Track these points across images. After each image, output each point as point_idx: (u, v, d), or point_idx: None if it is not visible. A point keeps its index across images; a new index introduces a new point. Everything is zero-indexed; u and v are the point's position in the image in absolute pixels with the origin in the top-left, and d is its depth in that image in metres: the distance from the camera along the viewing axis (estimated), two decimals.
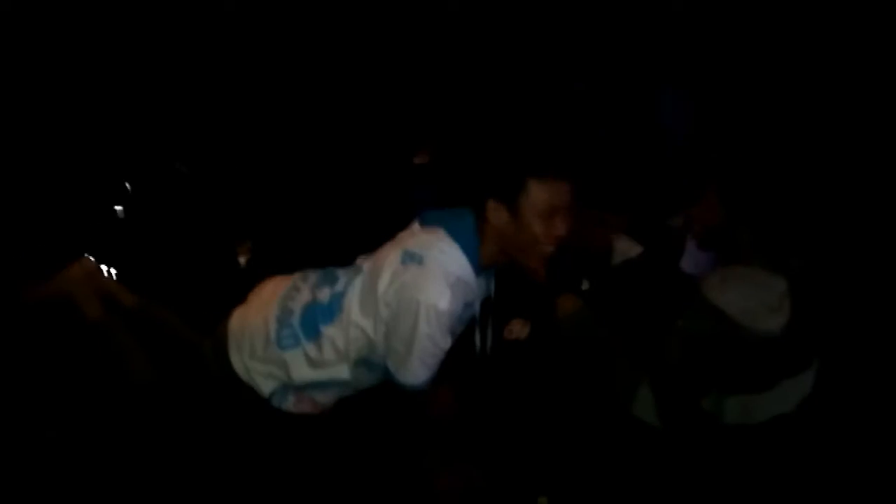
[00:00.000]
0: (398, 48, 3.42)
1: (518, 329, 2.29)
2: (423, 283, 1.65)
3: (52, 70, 3.15)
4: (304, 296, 1.85)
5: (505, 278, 2.02)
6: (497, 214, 1.72)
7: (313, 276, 1.91)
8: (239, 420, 1.88)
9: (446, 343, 1.73)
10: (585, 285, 2.65)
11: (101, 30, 3.21)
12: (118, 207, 2.91)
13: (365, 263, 1.83)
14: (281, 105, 3.35)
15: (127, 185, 2.97)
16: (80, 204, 2.86)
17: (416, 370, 1.72)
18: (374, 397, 1.92)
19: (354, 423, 1.98)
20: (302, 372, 1.80)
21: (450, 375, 1.91)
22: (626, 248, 2.73)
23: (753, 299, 1.67)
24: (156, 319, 2.07)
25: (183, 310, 2.33)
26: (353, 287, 1.78)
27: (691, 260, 2.42)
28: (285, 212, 3.03)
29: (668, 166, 3.09)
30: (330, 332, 1.77)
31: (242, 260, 2.84)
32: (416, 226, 1.85)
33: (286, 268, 2.08)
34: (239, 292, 2.08)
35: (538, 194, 1.67)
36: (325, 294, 1.82)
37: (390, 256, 1.73)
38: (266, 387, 1.83)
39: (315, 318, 1.79)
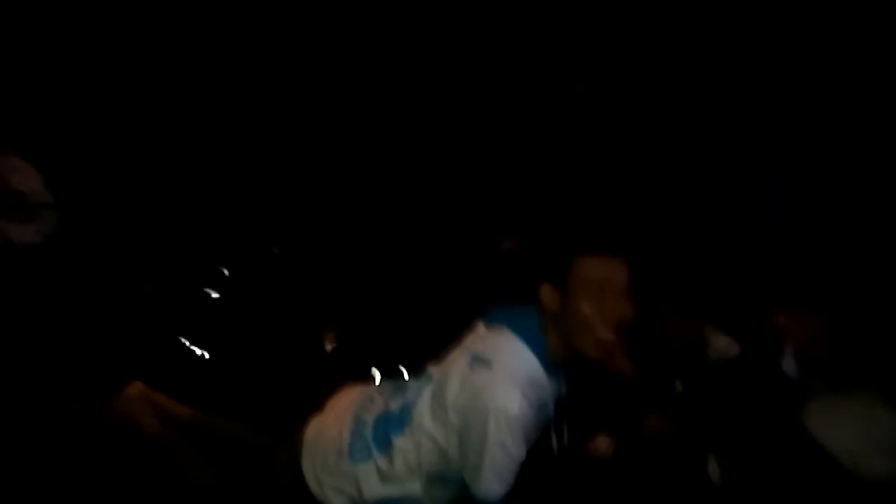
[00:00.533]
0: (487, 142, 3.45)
1: (604, 446, 2.17)
2: (492, 388, 1.58)
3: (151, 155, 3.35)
4: (378, 406, 1.80)
5: (581, 377, 1.93)
6: (550, 299, 1.65)
7: (388, 386, 1.88)
8: None
9: (520, 452, 1.63)
10: (679, 387, 2.52)
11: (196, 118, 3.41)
12: (212, 292, 3.01)
13: (434, 370, 1.78)
14: (374, 196, 3.42)
15: (224, 270, 3.09)
16: (176, 288, 2.99)
17: (490, 483, 1.62)
18: None
19: None
20: (373, 487, 1.73)
21: (526, 484, 1.82)
22: (723, 348, 2.57)
23: (864, 438, 1.51)
24: (215, 430, 2.10)
25: (265, 398, 2.37)
26: (422, 396, 1.72)
27: (789, 367, 2.24)
28: (372, 299, 3.05)
29: (754, 253, 2.92)
30: (401, 443, 1.70)
31: (329, 347, 2.86)
32: (480, 326, 1.79)
33: (369, 356, 2.05)
34: (321, 382, 2.07)
35: (585, 271, 1.61)
36: (396, 404, 1.77)
37: (458, 362, 1.68)
38: (337, 502, 1.78)
39: (387, 429, 1.74)
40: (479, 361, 1.63)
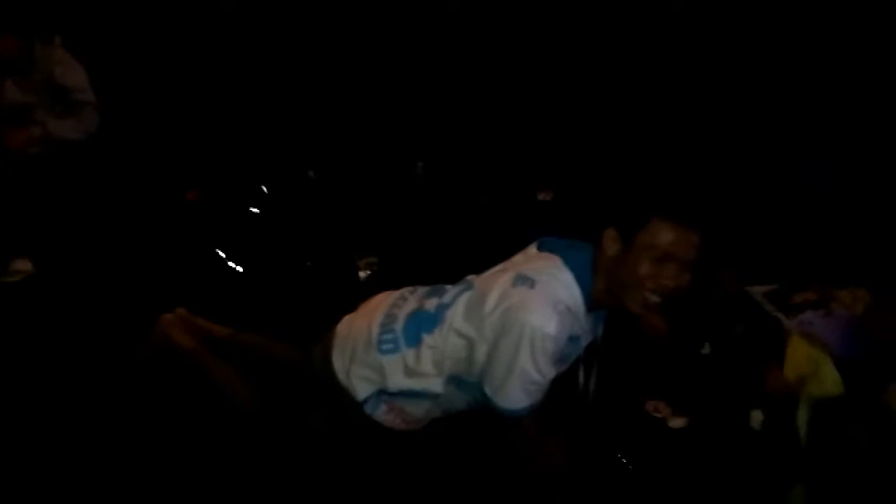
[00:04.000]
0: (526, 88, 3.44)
1: (666, 413, 2.24)
2: (531, 305, 1.59)
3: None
4: (411, 305, 1.84)
5: (618, 325, 1.96)
6: (611, 244, 1.65)
7: (422, 289, 1.91)
8: (336, 424, 1.88)
9: (549, 373, 1.66)
10: (706, 349, 2.57)
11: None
12: (254, 209, 3.01)
13: (475, 279, 1.81)
14: (412, 134, 3.42)
15: (264, 188, 3.09)
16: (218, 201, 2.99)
17: (515, 395, 1.65)
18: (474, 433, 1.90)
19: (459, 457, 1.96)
20: (397, 379, 1.77)
21: (557, 425, 1.88)
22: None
23: None
24: (252, 346, 2.16)
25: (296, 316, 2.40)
26: (459, 300, 1.75)
27: (836, 338, 2.28)
28: (407, 233, 3.07)
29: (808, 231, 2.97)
30: (430, 340, 1.74)
31: (362, 275, 2.88)
32: (532, 249, 1.81)
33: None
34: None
35: (657, 234, 1.59)
36: (432, 304, 1.80)
37: (503, 278, 1.69)
38: (362, 391, 1.81)
39: (419, 326, 1.77)
40: (524, 280, 1.64)
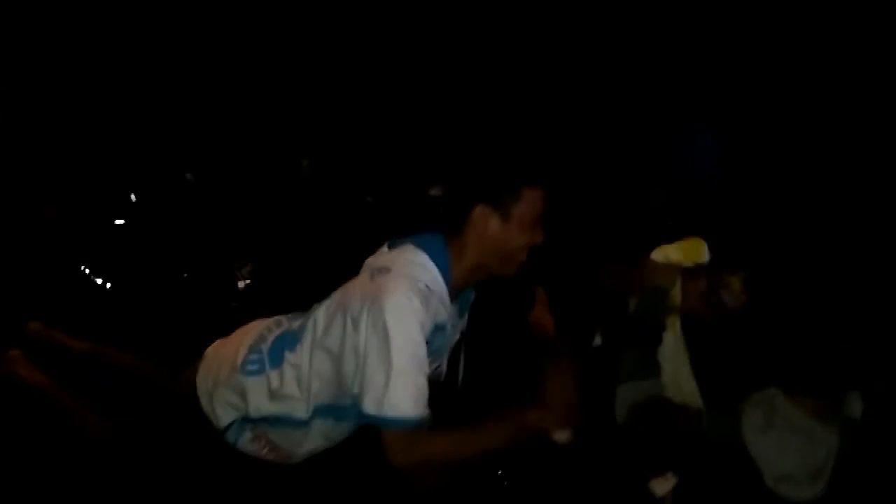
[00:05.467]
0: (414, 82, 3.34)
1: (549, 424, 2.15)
2: (390, 287, 1.53)
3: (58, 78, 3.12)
4: (283, 327, 1.75)
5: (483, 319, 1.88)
6: (486, 221, 1.60)
7: (298, 314, 1.81)
8: (195, 456, 1.77)
9: (424, 361, 1.55)
10: (598, 341, 2.52)
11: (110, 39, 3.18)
12: (119, 220, 2.83)
13: (337, 292, 1.70)
14: (298, 130, 3.28)
15: (132, 195, 2.90)
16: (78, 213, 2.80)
17: (399, 396, 1.50)
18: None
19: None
20: (260, 402, 1.68)
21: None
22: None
23: (798, 463, 1.51)
24: (111, 362, 2.09)
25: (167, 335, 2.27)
26: (319, 313, 1.66)
27: None
28: (289, 238, 2.93)
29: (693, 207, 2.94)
30: (293, 358, 1.65)
31: (241, 284, 2.73)
32: (383, 249, 1.71)
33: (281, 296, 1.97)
34: (231, 321, 1.97)
35: (534, 203, 1.60)
36: (297, 323, 1.72)
37: (360, 279, 1.63)
38: (224, 416, 1.71)
39: (283, 345, 1.69)
40: (379, 271, 1.58)
